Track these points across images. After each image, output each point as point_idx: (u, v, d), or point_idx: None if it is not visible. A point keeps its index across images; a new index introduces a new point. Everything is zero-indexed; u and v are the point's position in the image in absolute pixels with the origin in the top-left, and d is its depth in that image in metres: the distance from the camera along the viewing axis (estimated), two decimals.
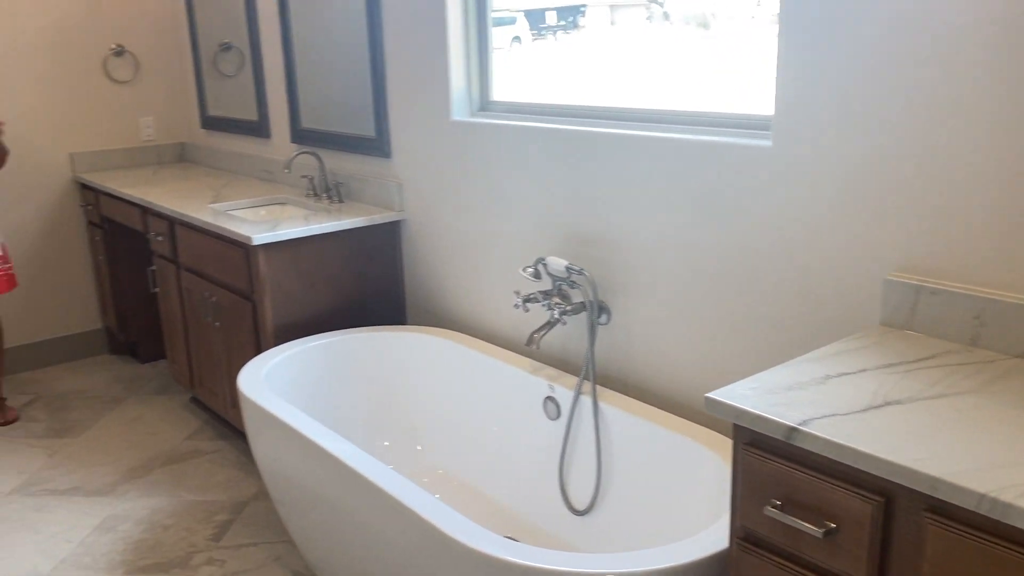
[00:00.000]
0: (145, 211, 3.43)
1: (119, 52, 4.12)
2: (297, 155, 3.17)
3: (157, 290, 3.50)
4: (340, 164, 3.25)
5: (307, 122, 3.38)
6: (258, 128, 3.72)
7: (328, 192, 3.20)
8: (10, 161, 3.88)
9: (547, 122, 2.41)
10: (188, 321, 3.28)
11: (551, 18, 2.60)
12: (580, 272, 2.23)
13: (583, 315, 2.37)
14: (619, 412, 2.17)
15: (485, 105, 2.69)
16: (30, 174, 3.96)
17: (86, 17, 4.00)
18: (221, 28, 3.81)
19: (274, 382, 2.52)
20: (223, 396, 3.13)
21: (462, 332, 2.85)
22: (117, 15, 4.09)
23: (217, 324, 3.04)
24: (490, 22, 2.63)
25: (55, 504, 2.88)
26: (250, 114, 3.77)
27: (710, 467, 1.92)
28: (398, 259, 3.04)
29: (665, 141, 2.06)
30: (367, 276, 2.97)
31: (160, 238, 3.34)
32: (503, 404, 2.52)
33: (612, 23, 2.45)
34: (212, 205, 3.19)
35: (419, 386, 2.75)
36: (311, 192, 3.28)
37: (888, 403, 1.35)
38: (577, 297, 2.36)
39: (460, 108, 2.68)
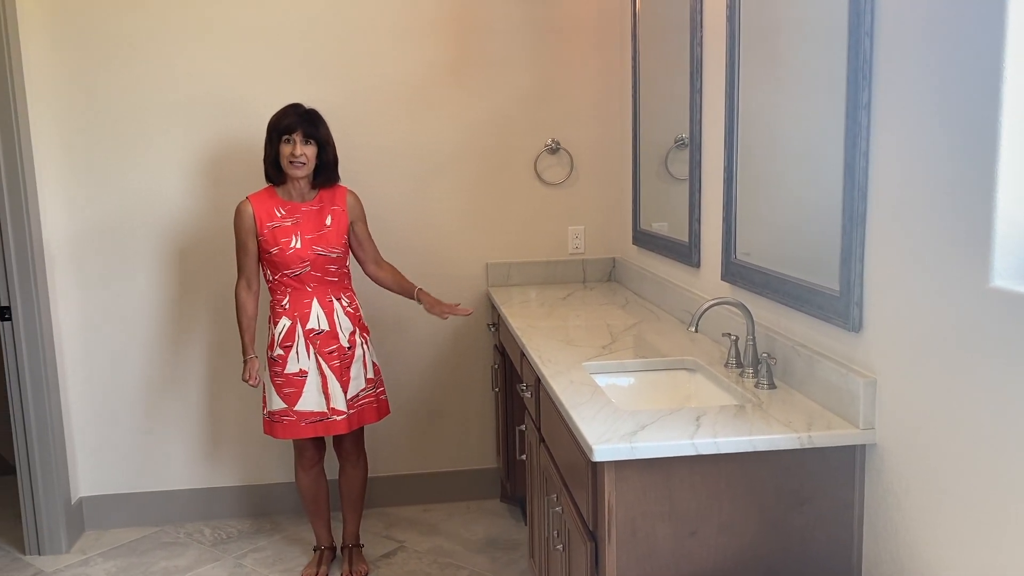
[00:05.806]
0: (523, 352, 2.63)
1: (554, 149, 3.47)
2: (710, 307, 2.05)
3: (524, 457, 2.65)
4: (780, 322, 2.05)
5: (742, 254, 2.26)
6: (687, 253, 2.69)
7: (756, 366, 2.02)
8: (426, 269, 3.44)
9: None
10: (540, 515, 2.35)
11: None
12: None
13: None
14: None
15: None
16: (443, 285, 3.48)
17: (526, 108, 3.43)
18: (677, 120, 2.86)
19: None
20: None
21: None
22: (558, 105, 3.45)
23: (559, 547, 2.04)
24: None
25: None
26: (681, 233, 2.76)
27: None
28: (853, 514, 1.71)
29: None
30: (791, 535, 1.70)
31: (527, 393, 2.49)
32: None
33: None
34: (588, 363, 2.23)
35: None
36: (732, 360, 2.13)
37: None
38: None
39: (1010, 265, 1.32)
